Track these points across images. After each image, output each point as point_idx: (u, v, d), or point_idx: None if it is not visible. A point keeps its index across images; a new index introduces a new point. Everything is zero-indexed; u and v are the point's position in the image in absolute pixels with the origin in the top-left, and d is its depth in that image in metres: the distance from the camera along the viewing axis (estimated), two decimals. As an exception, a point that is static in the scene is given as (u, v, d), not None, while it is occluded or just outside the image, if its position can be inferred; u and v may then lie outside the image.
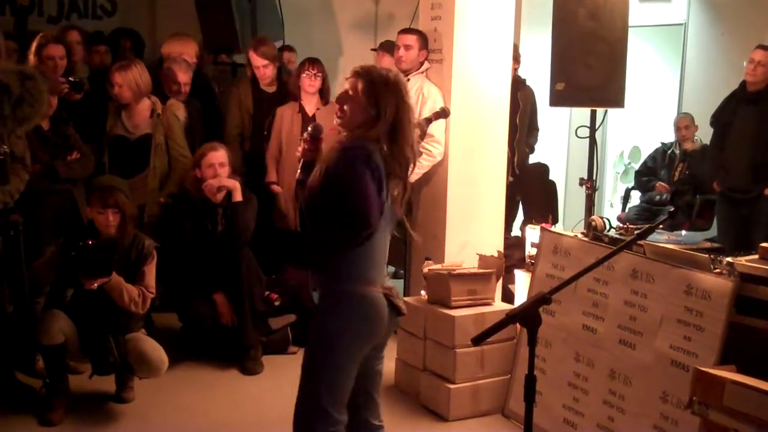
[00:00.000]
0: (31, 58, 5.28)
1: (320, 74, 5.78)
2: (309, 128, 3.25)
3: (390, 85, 3.09)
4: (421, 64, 5.55)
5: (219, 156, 5.23)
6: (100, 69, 6.29)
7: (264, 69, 6.00)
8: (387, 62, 6.23)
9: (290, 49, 7.34)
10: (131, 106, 5.49)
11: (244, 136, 6.13)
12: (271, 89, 6.15)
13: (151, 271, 4.59)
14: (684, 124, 7.45)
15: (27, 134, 4.78)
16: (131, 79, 5.43)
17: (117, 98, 5.45)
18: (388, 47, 6.41)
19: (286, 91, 6.18)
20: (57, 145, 5.03)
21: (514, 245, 5.88)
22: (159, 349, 4.53)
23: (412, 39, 5.53)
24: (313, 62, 5.80)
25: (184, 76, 6.00)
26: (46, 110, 4.57)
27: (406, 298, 5.02)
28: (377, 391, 3.29)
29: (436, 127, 5.13)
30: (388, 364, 5.00)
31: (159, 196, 5.49)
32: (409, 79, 5.48)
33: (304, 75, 5.75)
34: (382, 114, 3.05)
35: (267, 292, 5.45)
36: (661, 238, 4.20)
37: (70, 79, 5.35)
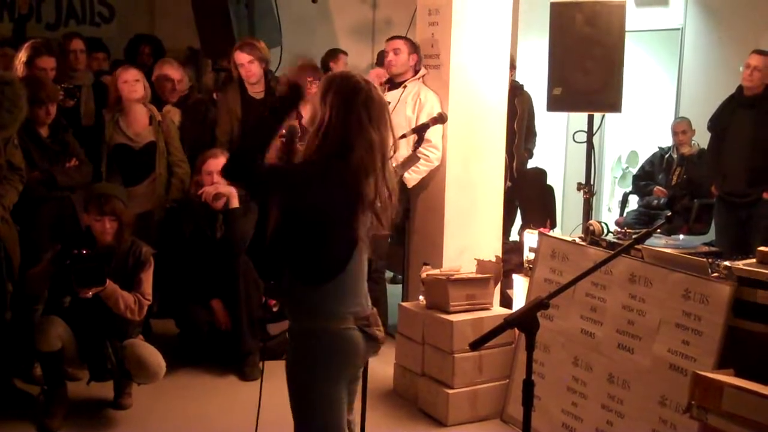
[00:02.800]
0: (20, 67, 5.27)
1: (316, 81, 5.75)
2: (283, 130, 3.10)
3: (346, 86, 2.82)
4: (416, 70, 5.56)
5: (219, 164, 5.22)
6: (99, 75, 6.30)
7: (249, 65, 5.93)
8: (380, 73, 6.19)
9: (344, 53, 7.40)
10: (128, 113, 5.49)
11: (232, 142, 6.12)
12: (259, 95, 6.12)
13: (147, 278, 4.58)
14: (681, 128, 7.46)
15: (25, 141, 4.80)
16: (141, 75, 5.52)
17: (128, 96, 5.44)
18: (381, 59, 6.46)
19: (274, 96, 6.16)
20: (56, 152, 5.03)
21: (512, 250, 5.88)
22: (156, 354, 4.53)
23: (399, 43, 5.57)
24: (312, 69, 5.79)
25: (176, 73, 6.03)
26: (24, 116, 4.55)
27: (404, 303, 5.03)
28: (351, 411, 3.15)
29: (434, 133, 5.14)
30: (387, 369, 5.02)
31: (166, 201, 5.52)
32: (406, 86, 5.50)
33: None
34: (327, 119, 2.78)
35: (265, 298, 5.44)
36: (659, 243, 4.21)
37: (63, 86, 5.36)
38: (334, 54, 7.44)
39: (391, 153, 2.96)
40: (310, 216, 2.79)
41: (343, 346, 2.87)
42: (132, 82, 5.44)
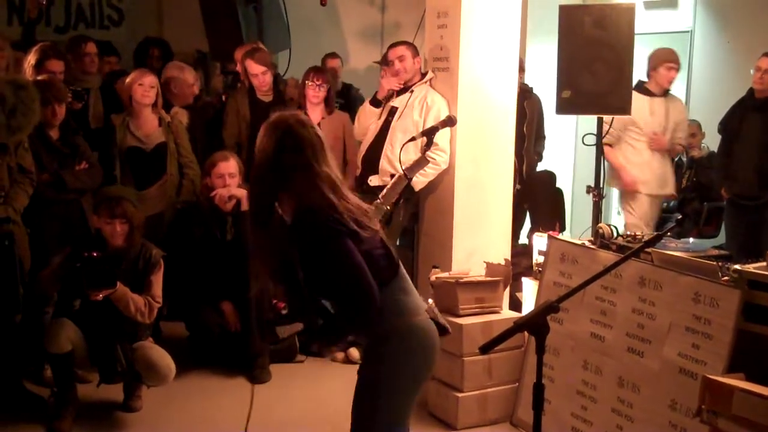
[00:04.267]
0: (30, 70, 5.29)
1: (325, 85, 5.75)
2: None
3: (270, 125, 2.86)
4: (423, 74, 5.56)
5: (229, 166, 5.25)
6: (111, 78, 6.32)
7: (263, 76, 5.97)
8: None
9: (335, 56, 7.33)
10: (138, 115, 5.52)
11: (241, 145, 6.14)
12: (268, 98, 6.14)
13: (158, 281, 4.60)
14: (691, 131, 7.44)
15: (35, 143, 4.81)
16: (156, 83, 5.57)
17: (140, 100, 5.48)
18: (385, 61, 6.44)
19: (283, 99, 6.18)
20: (65, 155, 5.04)
21: (521, 253, 5.88)
22: (166, 356, 4.54)
23: (402, 49, 5.57)
24: (317, 72, 5.78)
25: (189, 77, 6.06)
26: (38, 120, 4.58)
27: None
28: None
29: (441, 136, 5.13)
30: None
31: (176, 203, 5.54)
32: (413, 90, 5.49)
33: (308, 85, 5.73)
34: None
35: (274, 301, 5.45)
36: (668, 246, 4.19)
37: (70, 88, 5.38)
38: (324, 60, 7.37)
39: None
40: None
41: (425, 338, 2.88)
42: (147, 87, 5.49)
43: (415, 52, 5.58)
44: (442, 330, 2.95)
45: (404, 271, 2.94)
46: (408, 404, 2.92)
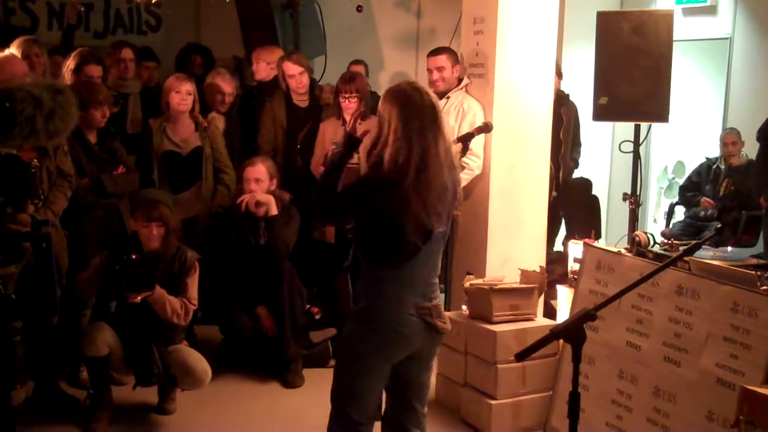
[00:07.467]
0: (68, 74, 5.35)
1: (355, 94, 5.67)
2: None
3: (392, 95, 3.13)
4: (459, 80, 5.53)
5: (255, 171, 5.26)
6: (149, 85, 6.37)
7: (300, 77, 5.98)
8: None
9: (358, 62, 7.31)
10: (175, 120, 5.56)
11: (277, 150, 6.16)
12: (304, 103, 6.16)
13: (193, 284, 4.63)
14: (731, 139, 7.37)
15: (74, 147, 4.86)
16: (194, 89, 5.59)
17: (176, 107, 5.51)
18: None
19: (319, 105, 6.19)
20: (104, 160, 5.09)
21: (556, 260, 5.84)
22: (202, 360, 4.57)
23: (442, 59, 5.49)
24: (344, 84, 5.71)
25: (228, 87, 6.08)
26: (75, 124, 4.62)
27: (447, 313, 4.99)
28: (420, 402, 3.33)
29: (475, 142, 5.11)
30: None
31: (211, 207, 5.58)
32: (449, 97, 5.47)
33: (340, 98, 5.70)
34: (381, 132, 3.12)
35: (308, 306, 5.46)
36: (706, 254, 4.15)
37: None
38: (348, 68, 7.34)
39: (441, 150, 3.14)
40: (372, 217, 3.15)
41: (390, 328, 3.13)
42: (184, 95, 5.51)
43: (455, 61, 5.50)
44: (433, 329, 3.21)
45: (422, 265, 3.19)
46: (367, 377, 3.18)
